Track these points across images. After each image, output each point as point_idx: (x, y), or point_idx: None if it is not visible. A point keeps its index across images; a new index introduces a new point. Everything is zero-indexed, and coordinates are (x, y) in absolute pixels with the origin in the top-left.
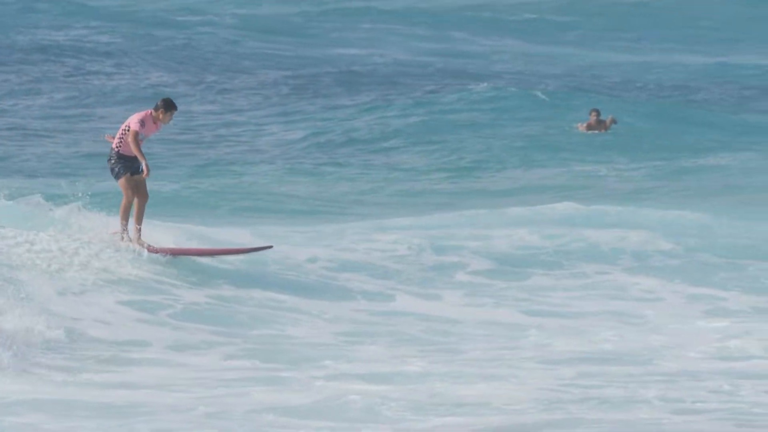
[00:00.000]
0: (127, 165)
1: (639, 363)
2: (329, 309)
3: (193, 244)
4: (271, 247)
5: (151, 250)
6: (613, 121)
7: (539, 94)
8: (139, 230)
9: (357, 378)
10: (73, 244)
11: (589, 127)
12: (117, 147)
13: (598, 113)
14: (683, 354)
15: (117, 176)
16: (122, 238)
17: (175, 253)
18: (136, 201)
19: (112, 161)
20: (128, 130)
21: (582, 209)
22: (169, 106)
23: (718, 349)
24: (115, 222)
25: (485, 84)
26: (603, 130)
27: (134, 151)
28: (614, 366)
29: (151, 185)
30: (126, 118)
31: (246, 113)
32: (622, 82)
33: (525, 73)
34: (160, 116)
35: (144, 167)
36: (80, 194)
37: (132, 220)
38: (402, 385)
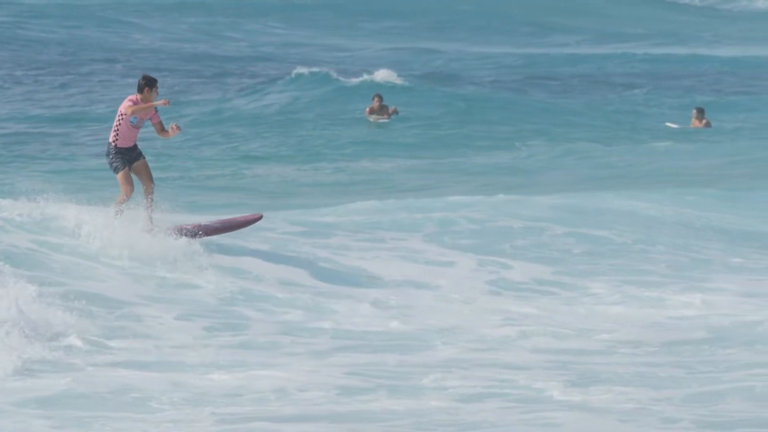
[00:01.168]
0: (125, 158)
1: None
2: None
3: None
4: (261, 217)
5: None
6: (395, 111)
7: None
8: (150, 217)
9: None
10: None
11: (371, 111)
12: (114, 140)
13: (381, 98)
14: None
15: (116, 170)
16: (114, 215)
17: (183, 231)
18: (143, 189)
19: (111, 156)
20: (122, 119)
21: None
22: (149, 83)
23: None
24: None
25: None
26: (386, 117)
27: (145, 108)
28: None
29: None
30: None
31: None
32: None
33: (328, 61)
34: (147, 95)
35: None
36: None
37: (131, 211)
38: None
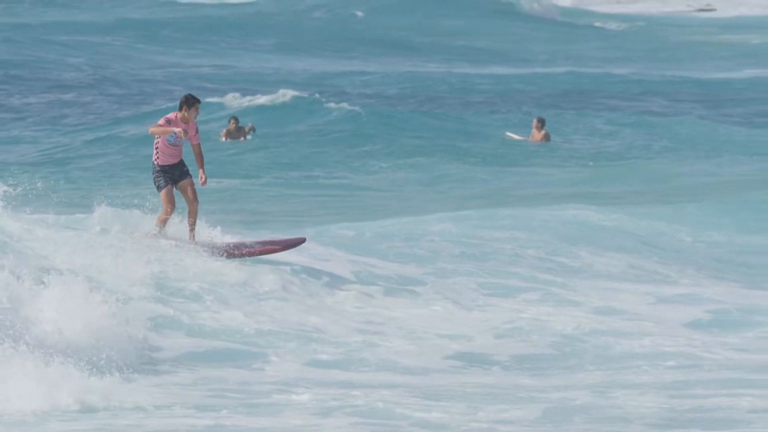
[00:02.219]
0: (167, 177)
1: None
2: None
3: None
4: (304, 240)
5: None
6: (252, 129)
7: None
8: (193, 233)
9: None
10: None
11: (228, 134)
12: (155, 159)
13: (237, 120)
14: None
15: (159, 188)
16: (154, 232)
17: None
18: (188, 209)
19: (154, 174)
20: (159, 137)
21: None
22: (189, 100)
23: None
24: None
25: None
26: (243, 138)
27: (163, 131)
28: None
29: None
30: None
31: None
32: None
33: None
34: (186, 114)
35: (201, 175)
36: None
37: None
38: None
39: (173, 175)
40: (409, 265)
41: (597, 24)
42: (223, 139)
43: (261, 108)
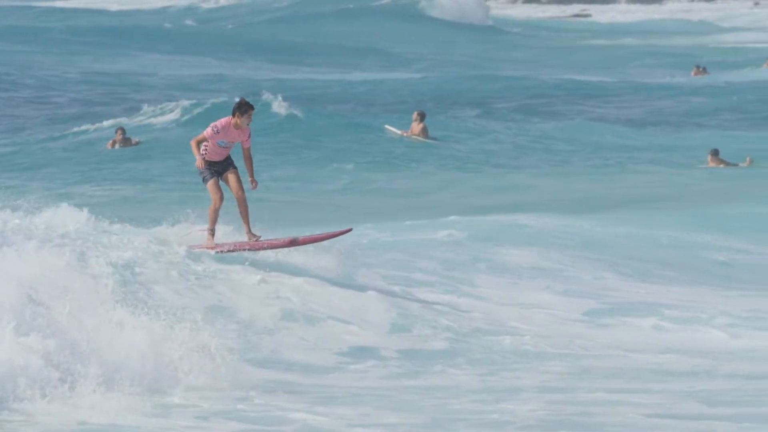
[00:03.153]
0: (213, 169)
1: None
2: None
3: None
4: (350, 230)
5: (254, 245)
6: (138, 143)
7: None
8: (248, 225)
9: None
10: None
11: (114, 144)
12: (203, 155)
13: (124, 131)
14: None
15: (204, 180)
16: (210, 238)
17: (255, 247)
18: (237, 200)
19: (201, 168)
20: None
21: None
22: (242, 107)
23: None
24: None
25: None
26: (129, 146)
27: (194, 152)
28: None
29: None
30: None
31: None
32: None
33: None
34: (239, 121)
35: (251, 181)
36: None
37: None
38: None
39: (218, 168)
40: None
41: (478, 26)
42: (109, 147)
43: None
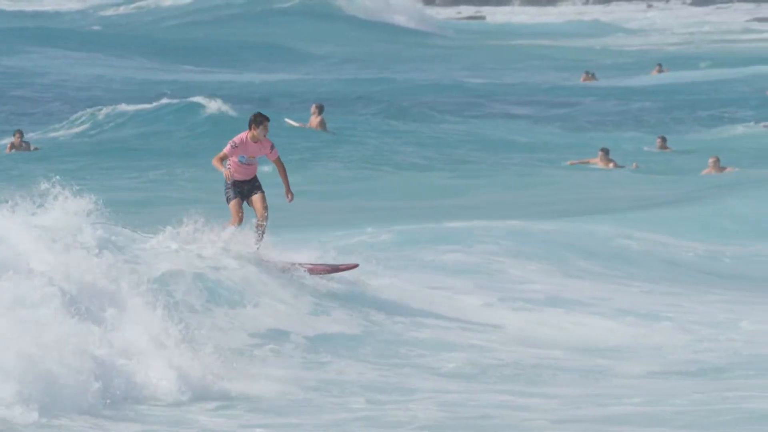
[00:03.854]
0: (237, 190)
1: None
2: None
3: None
4: (357, 266)
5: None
6: (36, 149)
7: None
8: (260, 240)
9: None
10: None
11: (13, 147)
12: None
13: (22, 134)
14: None
15: (228, 200)
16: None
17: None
18: (256, 219)
19: (225, 186)
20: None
21: None
22: (257, 119)
23: None
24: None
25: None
26: (27, 151)
27: (217, 168)
28: None
29: None
30: None
31: None
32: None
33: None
34: (255, 133)
35: (287, 194)
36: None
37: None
38: None
39: (243, 189)
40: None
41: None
42: (8, 152)
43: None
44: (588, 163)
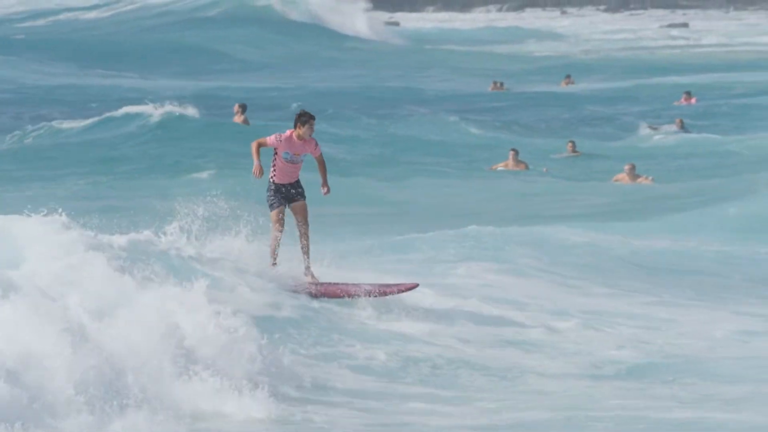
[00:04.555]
0: (281, 196)
1: None
2: None
3: None
4: (417, 285)
5: (310, 289)
6: None
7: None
8: (308, 259)
9: None
10: None
11: None
12: (272, 176)
13: None
14: None
15: (270, 207)
16: (273, 263)
17: (327, 293)
18: (298, 231)
19: (268, 192)
20: (275, 152)
21: None
22: (302, 117)
23: None
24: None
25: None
26: None
27: (253, 154)
28: None
29: None
30: None
31: None
32: None
33: None
34: (300, 132)
35: (323, 187)
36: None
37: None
38: None
39: (287, 195)
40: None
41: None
42: None
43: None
44: (506, 167)
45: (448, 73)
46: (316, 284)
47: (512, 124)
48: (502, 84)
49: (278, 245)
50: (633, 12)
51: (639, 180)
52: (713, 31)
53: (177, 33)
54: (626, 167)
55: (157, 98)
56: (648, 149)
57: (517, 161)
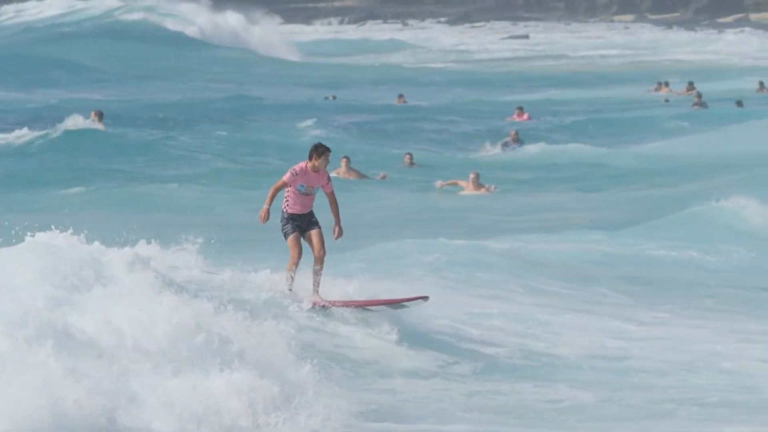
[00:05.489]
0: (296, 224)
1: None
2: None
3: None
4: (427, 298)
5: (317, 304)
6: None
7: None
8: (317, 287)
9: None
10: None
11: None
12: (285, 206)
13: None
14: None
15: (285, 235)
16: (289, 288)
17: (335, 305)
18: (314, 257)
19: (282, 221)
20: (289, 187)
21: None
22: (318, 149)
23: None
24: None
25: None
26: None
27: (268, 197)
28: None
29: None
30: None
31: None
32: None
33: None
34: (316, 164)
35: (335, 228)
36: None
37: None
38: None
39: (301, 223)
40: None
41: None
42: None
43: None
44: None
45: (289, 84)
46: (327, 301)
47: (347, 131)
48: (334, 96)
49: (295, 274)
50: (474, 24)
51: (482, 189)
52: (554, 44)
53: (37, 47)
54: (471, 176)
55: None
56: (487, 162)
57: (349, 169)
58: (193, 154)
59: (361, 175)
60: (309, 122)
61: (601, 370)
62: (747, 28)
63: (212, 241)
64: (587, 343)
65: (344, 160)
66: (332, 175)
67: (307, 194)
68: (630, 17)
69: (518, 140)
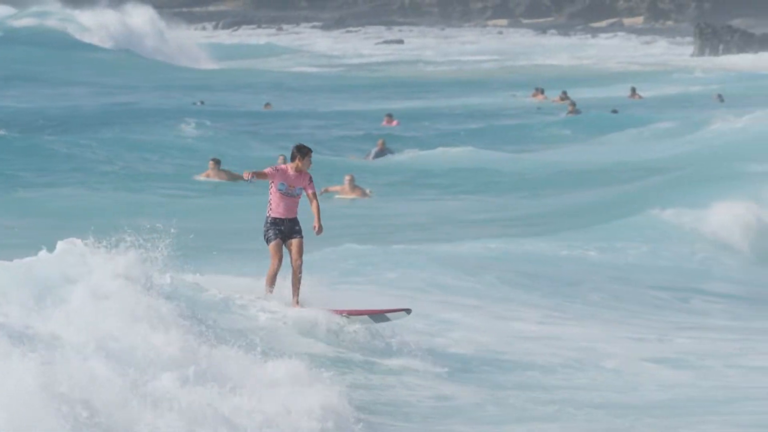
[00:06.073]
0: (278, 230)
1: None
2: None
3: None
4: (409, 311)
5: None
6: None
7: None
8: (296, 296)
9: None
10: None
11: None
12: (268, 211)
13: None
14: None
15: (267, 241)
16: (269, 292)
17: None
18: (292, 265)
19: (265, 226)
20: (270, 187)
21: None
22: (301, 150)
23: None
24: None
25: None
26: None
27: (229, 177)
28: None
29: None
30: None
31: None
32: None
33: None
34: (300, 165)
35: (315, 225)
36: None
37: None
38: None
39: (284, 229)
40: None
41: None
42: None
43: None
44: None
45: (164, 87)
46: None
47: (218, 134)
48: (202, 102)
49: (275, 280)
50: (349, 29)
51: (358, 192)
52: (428, 49)
53: None
54: (346, 178)
55: None
56: (357, 167)
57: (218, 170)
58: (74, 158)
59: (233, 176)
60: (186, 125)
61: (487, 368)
62: (620, 33)
63: (98, 247)
64: (475, 341)
65: (212, 162)
66: (201, 177)
67: (288, 195)
68: (504, 22)
69: (385, 149)
